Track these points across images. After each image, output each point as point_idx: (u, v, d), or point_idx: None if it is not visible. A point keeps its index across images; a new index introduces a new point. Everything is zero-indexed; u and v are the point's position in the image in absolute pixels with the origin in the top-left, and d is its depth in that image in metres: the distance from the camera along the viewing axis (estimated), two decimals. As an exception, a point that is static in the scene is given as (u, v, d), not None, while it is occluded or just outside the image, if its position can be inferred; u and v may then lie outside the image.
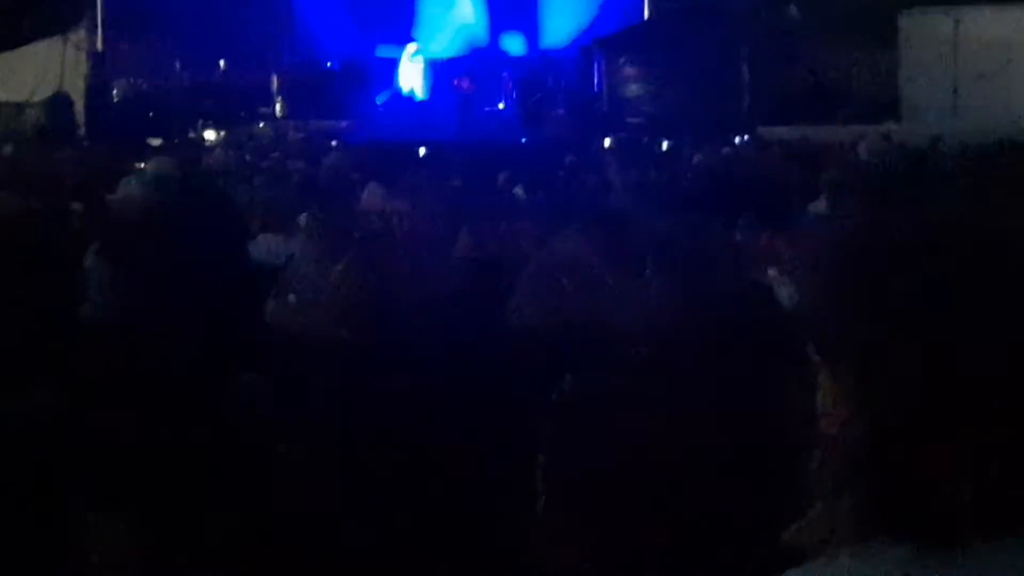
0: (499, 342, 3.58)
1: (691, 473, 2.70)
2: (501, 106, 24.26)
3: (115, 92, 23.38)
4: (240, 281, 3.10)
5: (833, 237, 1.56)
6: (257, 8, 24.39)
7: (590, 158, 12.95)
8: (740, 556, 2.54)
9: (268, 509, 2.68)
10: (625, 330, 3.17)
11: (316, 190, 7.79)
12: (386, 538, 3.06)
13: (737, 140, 17.39)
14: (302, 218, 6.26)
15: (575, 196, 6.77)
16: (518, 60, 25.62)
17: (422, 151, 14.59)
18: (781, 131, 17.74)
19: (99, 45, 23.01)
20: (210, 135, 21.40)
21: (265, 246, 6.07)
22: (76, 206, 7.34)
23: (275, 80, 24.27)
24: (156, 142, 18.36)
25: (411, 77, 24.83)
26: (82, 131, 21.22)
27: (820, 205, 7.29)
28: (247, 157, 14.19)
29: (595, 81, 23.90)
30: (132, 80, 23.94)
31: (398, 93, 24.76)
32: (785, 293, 3.76)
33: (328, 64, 25.32)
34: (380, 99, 24.61)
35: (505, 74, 24.58)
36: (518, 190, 8.31)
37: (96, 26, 22.99)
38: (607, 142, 17.61)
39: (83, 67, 22.33)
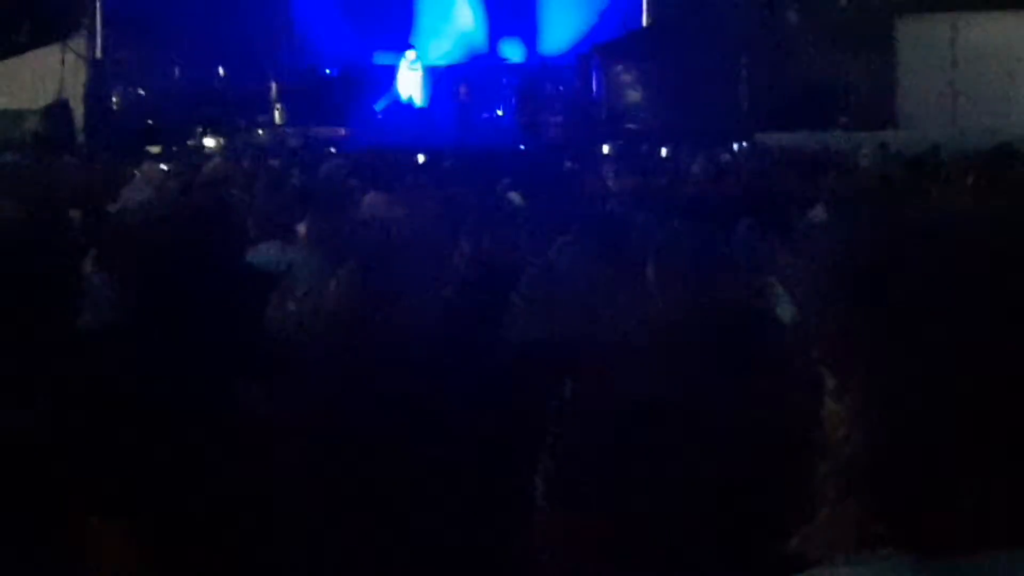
0: (498, 349, 3.58)
1: (693, 480, 2.70)
2: (500, 113, 24.28)
3: (115, 99, 23.40)
4: (239, 288, 3.10)
5: (833, 245, 1.56)
6: (256, 15, 24.41)
7: (589, 165, 12.95)
8: (744, 562, 2.54)
9: (268, 515, 2.68)
10: (625, 337, 3.16)
11: (315, 197, 7.79)
12: (387, 545, 3.06)
13: (735, 147, 17.40)
14: (301, 225, 6.25)
15: (574, 203, 6.77)
16: (517, 67, 25.65)
17: (421, 158, 14.60)
18: (780, 138, 17.75)
19: (98, 53, 23.03)
20: (209, 142, 21.42)
21: (264, 253, 6.06)
22: (75, 214, 7.35)
23: (274, 87, 24.30)
24: (155, 149, 18.37)
25: (410, 84, 24.85)
26: (81, 138, 21.24)
27: (818, 212, 7.29)
28: (246, 164, 14.20)
29: (594, 88, 23.93)
30: (132, 87, 23.97)
31: (397, 100, 24.78)
32: (784, 300, 3.76)
33: (327, 71, 25.35)
34: (379, 106, 24.64)
35: (504, 81, 24.61)
36: (517, 197, 8.31)
37: (95, 33, 23.01)
38: (606, 149, 17.64)
39: (82, 74, 22.35)
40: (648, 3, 25.04)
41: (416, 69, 24.92)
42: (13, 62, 21.80)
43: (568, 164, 12.48)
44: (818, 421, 1.50)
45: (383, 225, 5.75)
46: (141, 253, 3.22)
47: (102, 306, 3.33)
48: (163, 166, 12.07)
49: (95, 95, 22.39)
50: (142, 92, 24.10)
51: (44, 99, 21.71)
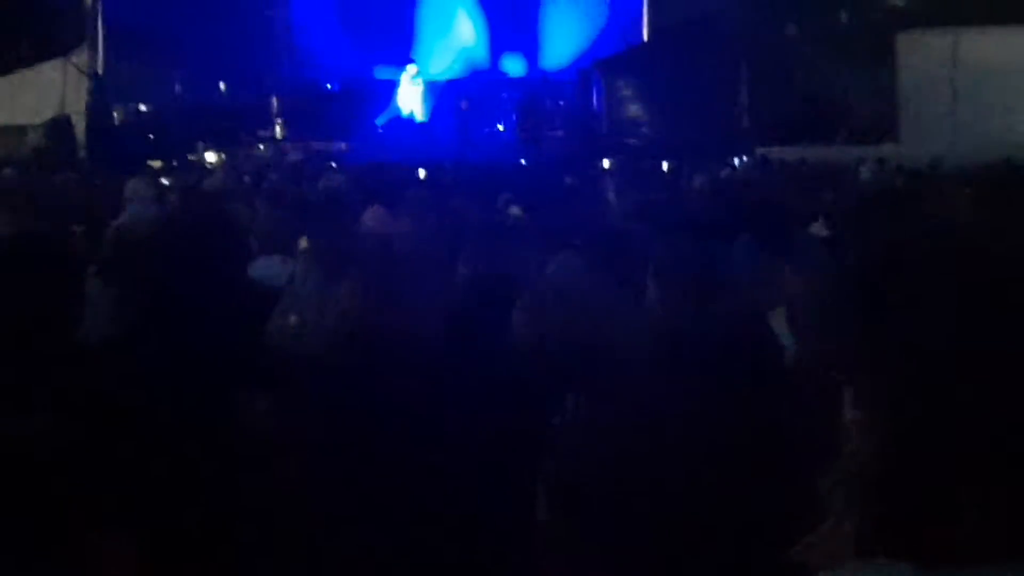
0: (500, 363, 3.59)
1: (695, 491, 2.71)
2: (500, 127, 24.31)
3: (116, 114, 23.43)
4: (240, 302, 3.11)
5: (838, 260, 1.57)
6: (257, 30, 24.47)
7: (589, 180, 12.96)
8: (746, 572, 2.54)
9: (269, 528, 2.68)
10: (625, 351, 3.17)
11: (316, 212, 7.80)
12: (388, 558, 3.06)
13: (736, 161, 17.42)
14: (302, 240, 6.26)
15: (574, 218, 6.78)
16: (518, 82, 25.69)
17: (422, 172, 14.61)
18: (780, 152, 17.76)
19: (100, 68, 23.06)
20: (210, 157, 21.44)
21: (265, 268, 6.06)
22: (77, 228, 7.36)
23: (275, 102, 24.34)
24: (157, 164, 18.39)
25: (411, 99, 24.89)
26: (83, 153, 21.26)
27: (819, 227, 7.30)
28: (247, 179, 14.21)
29: (594, 102, 23.95)
30: (133, 102, 24.01)
31: (398, 115, 24.81)
32: (784, 315, 3.77)
33: (328, 86, 25.39)
34: (380, 121, 24.67)
35: (504, 96, 24.64)
36: (517, 211, 8.32)
37: (97, 48, 23.04)
38: (606, 163, 17.65)
39: (84, 90, 22.37)
40: (648, 18, 25.09)
41: (417, 84, 24.96)
42: (14, 77, 21.84)
43: (568, 179, 12.49)
44: (819, 434, 1.50)
45: (384, 239, 5.76)
46: (142, 268, 3.23)
47: (104, 320, 3.34)
48: (164, 180, 12.07)
49: (96, 110, 22.41)
50: (143, 107, 24.14)
51: (45, 114, 21.74)
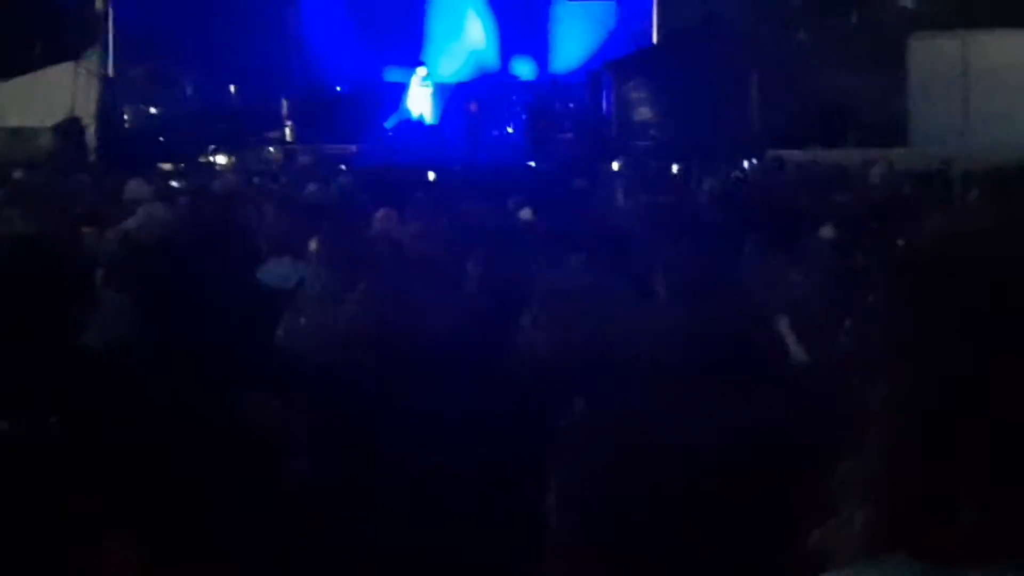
0: (509, 366, 3.59)
1: (702, 493, 2.70)
2: (510, 130, 24.31)
3: (126, 117, 23.48)
4: (250, 305, 3.11)
5: (843, 263, 1.57)
6: (267, 33, 24.49)
7: (599, 182, 12.95)
8: (752, 569, 2.54)
9: (277, 531, 2.68)
10: (635, 355, 3.17)
11: (326, 214, 7.80)
12: (398, 562, 3.06)
13: (746, 164, 17.40)
14: (312, 242, 6.27)
15: (584, 220, 6.78)
16: (527, 84, 25.69)
17: (431, 175, 14.61)
18: (790, 155, 17.74)
19: (110, 70, 23.12)
20: (221, 159, 21.47)
21: (275, 270, 6.07)
22: (87, 231, 7.37)
23: (285, 104, 24.36)
24: (167, 167, 18.42)
25: (420, 101, 24.90)
26: (93, 156, 21.30)
27: (829, 230, 7.28)
28: (256, 181, 14.23)
29: (604, 105, 23.95)
30: (143, 105, 24.05)
31: (407, 117, 24.82)
32: (793, 318, 3.77)
33: (337, 88, 25.41)
34: (389, 123, 24.68)
35: (514, 98, 24.64)
36: (527, 214, 8.32)
37: (107, 51, 23.10)
38: (616, 166, 17.63)
39: (94, 92, 22.43)
40: (658, 20, 25.08)
41: (427, 86, 24.97)
42: (25, 80, 21.90)
43: (578, 181, 12.48)
44: (827, 434, 1.50)
45: (393, 242, 5.77)
46: (151, 270, 3.23)
47: (111, 323, 3.35)
48: (174, 183, 12.10)
49: (107, 113, 22.47)
50: (153, 110, 24.19)
51: (56, 117, 21.79)
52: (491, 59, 26.37)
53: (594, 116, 23.97)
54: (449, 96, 24.97)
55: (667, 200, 9.18)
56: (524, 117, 24.09)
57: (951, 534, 1.28)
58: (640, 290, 4.04)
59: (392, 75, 25.62)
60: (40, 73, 22.08)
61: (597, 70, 24.68)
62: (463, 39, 26.35)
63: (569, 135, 23.55)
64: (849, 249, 6.23)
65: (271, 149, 23.15)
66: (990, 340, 1.31)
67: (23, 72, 21.86)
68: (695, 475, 2.70)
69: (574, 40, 26.06)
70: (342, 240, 5.76)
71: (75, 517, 2.33)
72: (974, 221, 1.42)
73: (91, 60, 22.62)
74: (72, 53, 22.36)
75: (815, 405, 2.92)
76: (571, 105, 24.44)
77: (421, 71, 25.11)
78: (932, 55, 21.90)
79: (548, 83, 25.45)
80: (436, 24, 26.35)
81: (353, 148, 22.37)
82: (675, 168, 16.20)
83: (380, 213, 7.23)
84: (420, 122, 24.74)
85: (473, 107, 24.38)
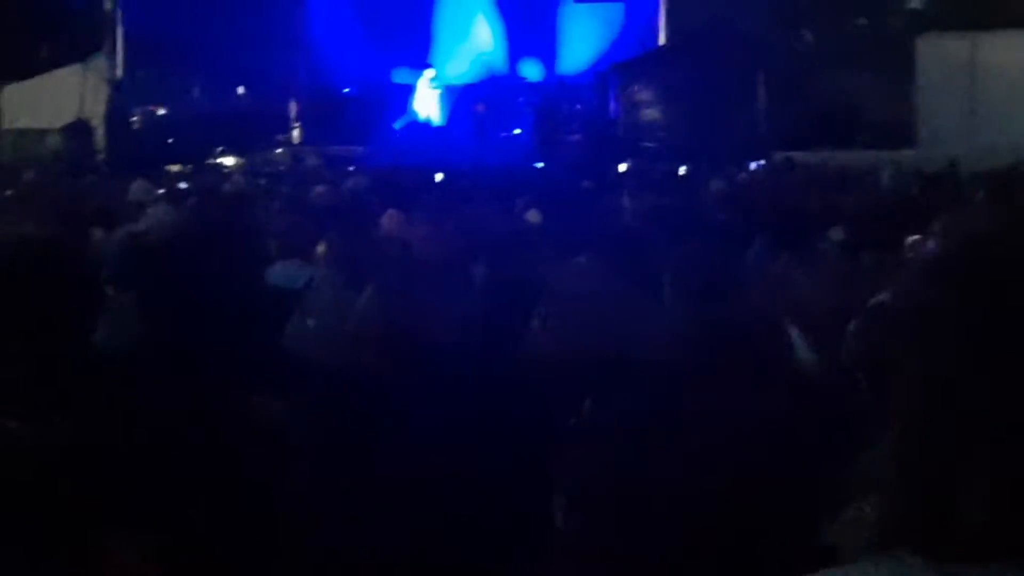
0: (518, 368, 3.58)
1: (712, 492, 2.70)
2: (518, 131, 24.32)
3: (134, 119, 23.53)
4: (257, 307, 3.11)
5: (860, 263, 1.57)
6: (275, 35, 24.52)
7: (606, 184, 12.96)
8: (759, 563, 2.54)
9: (286, 533, 2.68)
10: (643, 356, 3.16)
11: (334, 216, 7.81)
12: (407, 563, 3.06)
13: (753, 165, 17.39)
14: (320, 244, 6.28)
15: (592, 222, 6.78)
16: (535, 86, 25.69)
17: (439, 176, 14.62)
18: (798, 156, 17.73)
19: (119, 72, 23.17)
20: (228, 161, 21.50)
21: (283, 272, 6.08)
22: (95, 232, 7.39)
23: (293, 106, 24.39)
24: (175, 168, 18.45)
25: (428, 103, 24.91)
26: (102, 157, 21.35)
27: (838, 232, 7.28)
28: (264, 183, 14.25)
29: (611, 106, 23.95)
30: (151, 107, 24.10)
31: (415, 119, 24.84)
32: (803, 320, 3.76)
33: (345, 90, 25.43)
34: (397, 125, 24.70)
35: (522, 100, 24.65)
36: (535, 215, 8.32)
37: (116, 53, 23.15)
38: (623, 167, 17.64)
39: (103, 94, 22.49)
40: (666, 22, 25.07)
41: (434, 88, 24.99)
42: (34, 82, 21.96)
43: (586, 183, 12.49)
44: (836, 432, 1.50)
45: (401, 244, 5.77)
46: (160, 271, 3.23)
47: (119, 325, 3.35)
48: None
49: (115, 114, 22.52)
50: (162, 111, 24.23)
51: (65, 118, 21.86)
52: (498, 60, 26.38)
53: (602, 118, 23.97)
54: (457, 98, 24.98)
55: (674, 201, 9.18)
56: (531, 118, 24.09)
57: (954, 531, 1.28)
58: (648, 293, 4.04)
59: (400, 77, 25.64)
60: (49, 75, 22.15)
61: (605, 71, 24.68)
62: (471, 41, 26.36)
63: (576, 136, 23.55)
64: (858, 251, 6.23)
65: (279, 151, 23.18)
66: (997, 341, 1.31)
67: (32, 74, 21.93)
68: (703, 476, 2.70)
69: (582, 41, 26.05)
70: (349, 242, 5.77)
71: (81, 518, 2.33)
72: (982, 222, 1.42)
73: (99, 62, 22.66)
74: (81, 55, 22.41)
75: (822, 406, 2.92)
76: (578, 106, 24.43)
77: (429, 73, 25.12)
78: (940, 56, 21.88)
79: (555, 84, 25.45)
80: (444, 25, 26.37)
81: (361, 149, 22.39)
82: (682, 169, 16.20)
83: (387, 215, 7.23)
84: (428, 124, 24.76)
85: (480, 108, 24.39)
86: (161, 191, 11.56)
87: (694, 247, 4.26)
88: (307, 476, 2.88)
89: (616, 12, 26.16)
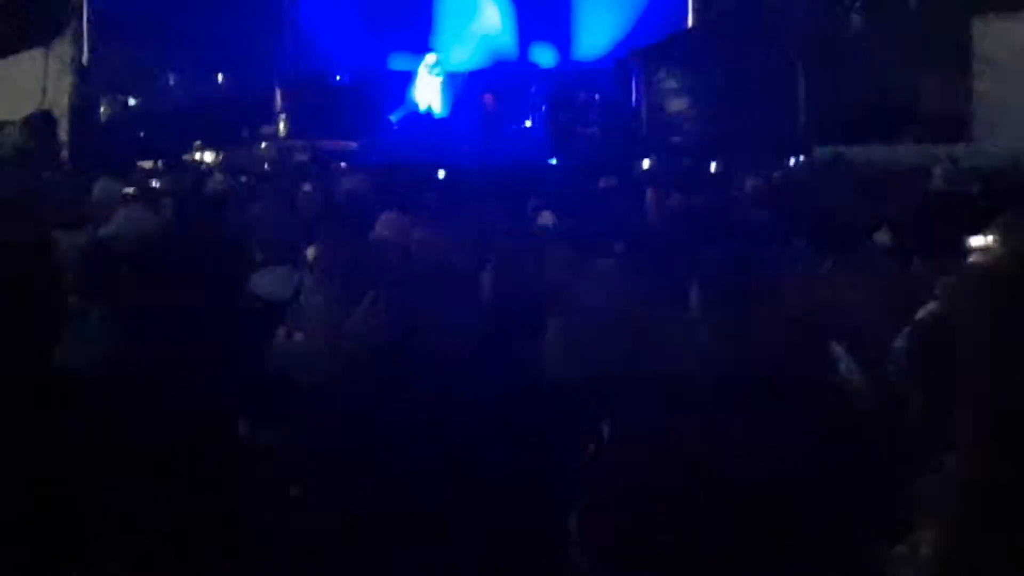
0: (530, 387, 3.59)
1: (751, 526, 2.72)
2: (529, 124, 24.34)
3: (102, 109, 23.57)
4: (240, 319, 3.13)
5: (910, 273, 1.58)
6: (258, 16, 24.56)
7: (627, 182, 12.97)
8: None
9: (273, 553, 2.70)
10: (669, 374, 3.18)
11: (324, 218, 7.83)
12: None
13: (792, 162, 17.40)
14: (310, 249, 6.30)
15: (611, 225, 6.78)
16: (548, 73, 25.71)
17: (441, 174, 14.65)
18: (841, 152, 17.72)
19: (84, 58, 23.21)
20: (207, 157, 21.54)
21: (269, 280, 6.10)
22: (59, 236, 7.40)
23: (278, 96, 24.43)
24: (148, 165, 18.48)
25: (429, 92, 24.95)
26: (66, 153, 21.39)
27: (885, 236, 7.29)
28: (247, 181, 14.28)
29: (633, 96, 23.97)
30: (121, 96, 24.13)
31: (414, 110, 24.87)
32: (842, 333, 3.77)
33: (337, 78, 25.47)
34: (395, 117, 24.73)
35: (533, 89, 24.67)
36: (548, 217, 8.34)
37: (81, 37, 23.19)
38: (646, 164, 17.66)
39: (67, 82, 22.52)
40: (694, 2, 25.10)
41: (436, 75, 25.02)
42: (-9, 69, 22.01)
43: (604, 181, 12.50)
44: (884, 458, 1.51)
45: (400, 249, 5.78)
46: (131, 280, 3.25)
47: (88, 340, 3.36)
48: (156, 182, 12.15)
49: (81, 105, 22.55)
50: (132, 101, 24.26)
51: (25, 109, 21.89)
52: (507, 45, 26.40)
53: (622, 108, 23.98)
54: (461, 86, 25.01)
55: (704, 202, 9.19)
56: (544, 109, 24.11)
57: (989, 559, 1.29)
58: (674, 305, 4.04)
59: (397, 63, 25.68)
60: (6, 61, 22.19)
61: (625, 57, 24.70)
62: (476, 23, 26.39)
63: (594, 129, 23.56)
64: (908, 257, 6.24)
65: (263, 145, 23.22)
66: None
67: (-12, 60, 21.98)
68: (738, 508, 2.71)
69: (600, 24, 26.07)
70: (342, 247, 5.78)
71: (67, 538, 2.35)
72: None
73: (63, 46, 22.70)
74: (42, 39, 22.45)
75: (868, 429, 2.92)
76: (596, 96, 24.44)
77: (430, 58, 25.15)
78: (999, 40, 21.85)
79: (571, 72, 25.47)
80: (447, 6, 26.41)
81: (354, 144, 22.42)
82: (713, 166, 16.21)
83: (384, 217, 7.25)
84: (428, 115, 24.79)
85: (488, 99, 24.42)
86: (131, 190, 11.58)
87: (726, 253, 4.26)
88: (298, 508, 2.90)
89: (638, -9, 26.20)
